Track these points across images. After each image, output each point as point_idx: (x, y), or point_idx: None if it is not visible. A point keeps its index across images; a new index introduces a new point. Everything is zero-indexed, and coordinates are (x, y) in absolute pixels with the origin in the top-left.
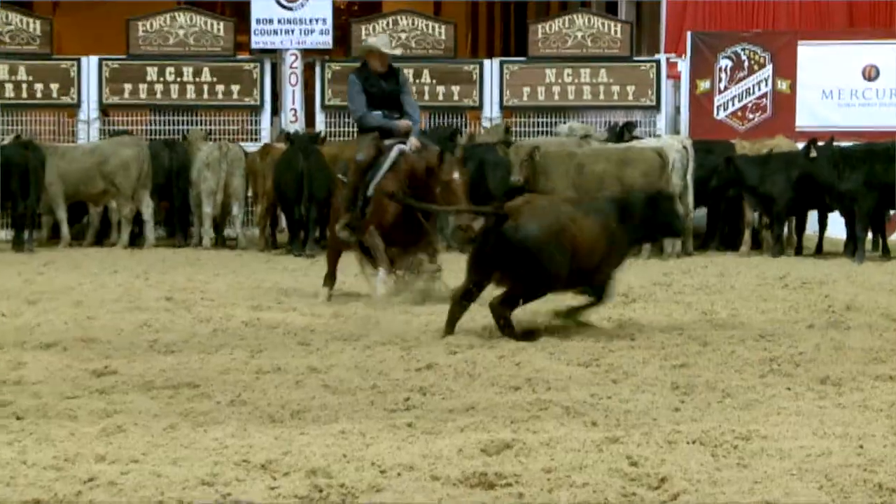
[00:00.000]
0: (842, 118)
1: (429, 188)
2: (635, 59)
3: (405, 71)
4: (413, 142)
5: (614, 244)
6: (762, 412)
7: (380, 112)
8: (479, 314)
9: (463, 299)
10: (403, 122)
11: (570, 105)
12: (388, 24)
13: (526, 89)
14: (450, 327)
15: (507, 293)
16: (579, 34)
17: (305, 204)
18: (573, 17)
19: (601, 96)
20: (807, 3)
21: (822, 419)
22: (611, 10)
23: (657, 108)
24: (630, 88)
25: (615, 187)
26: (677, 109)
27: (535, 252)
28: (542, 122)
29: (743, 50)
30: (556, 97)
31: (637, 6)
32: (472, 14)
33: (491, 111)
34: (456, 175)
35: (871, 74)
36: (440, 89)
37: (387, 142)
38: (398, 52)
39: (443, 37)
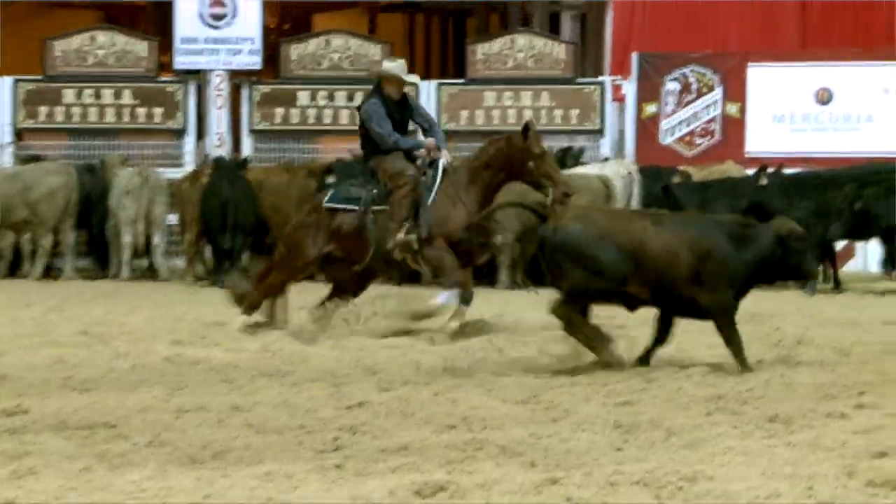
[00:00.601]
0: (794, 143)
1: (510, 176)
2: (579, 81)
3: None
4: (447, 155)
5: (714, 265)
6: (708, 452)
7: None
8: (412, 350)
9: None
10: (429, 140)
11: (511, 129)
12: (320, 45)
13: (464, 113)
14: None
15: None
16: (520, 55)
17: (230, 232)
18: (514, 38)
19: (543, 120)
20: (757, 23)
21: (770, 459)
22: (553, 30)
23: (601, 132)
24: (573, 112)
25: None
26: (622, 134)
27: (571, 252)
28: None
29: (691, 72)
30: (496, 121)
31: (581, 26)
32: (408, 33)
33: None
34: (545, 145)
35: (824, 98)
36: None
37: (417, 161)
38: (416, 79)
39: (378, 58)
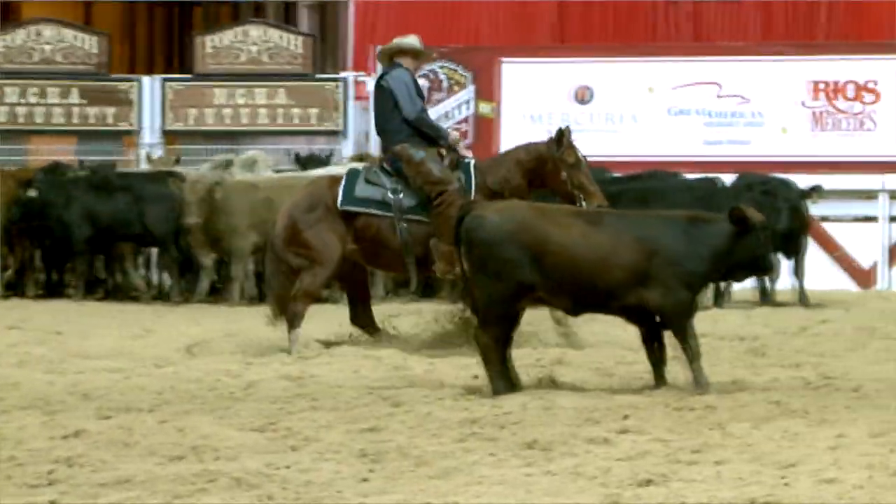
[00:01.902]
0: None
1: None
2: (318, 77)
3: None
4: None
5: (663, 264)
6: (462, 481)
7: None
8: (134, 373)
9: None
10: (454, 134)
11: (244, 130)
12: (28, 35)
13: (192, 111)
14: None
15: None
16: (254, 48)
17: None
18: (247, 29)
19: (280, 119)
20: (511, 15)
21: (529, 489)
22: (289, 21)
23: (343, 133)
24: (312, 111)
25: None
26: (367, 136)
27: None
28: (211, 150)
29: (441, 68)
30: (228, 120)
31: (320, 17)
32: (128, 23)
33: (150, 136)
34: (582, 154)
35: (584, 97)
36: (91, 111)
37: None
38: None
39: (94, 50)
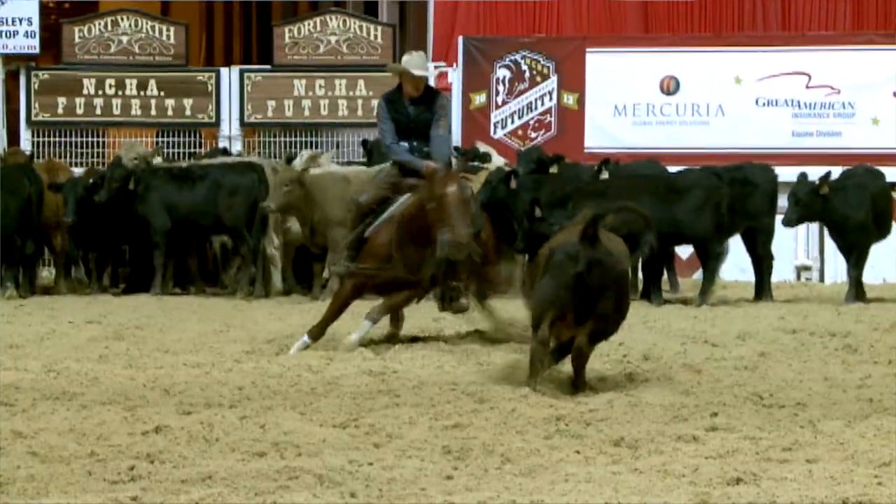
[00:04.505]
0: (637, 137)
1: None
2: None
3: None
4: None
5: None
6: (548, 479)
7: (406, 144)
8: (215, 369)
9: None
10: (429, 165)
11: (323, 122)
12: (105, 26)
13: (271, 103)
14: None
15: None
16: (333, 38)
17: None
18: (326, 19)
19: (359, 112)
20: (596, 4)
21: (616, 487)
22: (370, 11)
23: None
24: None
25: None
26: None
27: None
28: (290, 143)
29: (523, 58)
30: (307, 112)
31: (400, 6)
32: (206, 15)
33: (230, 129)
34: (452, 188)
35: (669, 87)
36: (169, 102)
37: (408, 181)
38: (430, 74)
39: (172, 41)
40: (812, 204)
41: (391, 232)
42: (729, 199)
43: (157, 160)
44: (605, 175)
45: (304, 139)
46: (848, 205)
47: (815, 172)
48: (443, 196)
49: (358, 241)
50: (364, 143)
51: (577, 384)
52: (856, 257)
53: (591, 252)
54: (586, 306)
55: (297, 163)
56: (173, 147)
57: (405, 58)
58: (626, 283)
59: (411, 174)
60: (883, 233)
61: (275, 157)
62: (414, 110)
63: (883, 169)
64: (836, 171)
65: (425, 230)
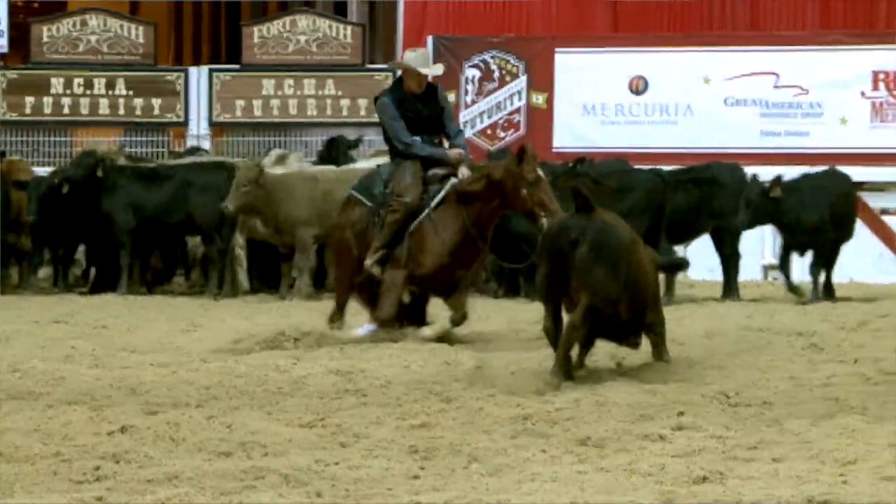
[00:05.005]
0: (605, 137)
1: (504, 203)
2: (368, 67)
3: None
4: (465, 172)
5: None
6: (514, 479)
7: (419, 138)
8: (182, 368)
9: None
10: (454, 151)
11: (292, 121)
12: (74, 25)
13: (240, 103)
14: None
15: None
16: (303, 38)
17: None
18: (295, 19)
19: (328, 111)
20: (565, 4)
21: (582, 486)
22: (339, 11)
23: None
24: (362, 102)
25: None
26: None
27: None
28: (259, 142)
29: (492, 58)
30: (276, 112)
31: (370, 6)
32: (175, 14)
33: (198, 128)
34: (542, 173)
35: (638, 87)
36: (138, 102)
37: (430, 172)
38: (439, 70)
39: (141, 40)
40: (763, 206)
41: (448, 224)
42: (697, 199)
43: (121, 160)
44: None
45: (272, 139)
46: (801, 207)
47: (786, 172)
48: (538, 181)
49: (396, 238)
50: (331, 141)
51: (553, 367)
52: (816, 259)
53: (582, 223)
54: (579, 279)
55: (267, 161)
56: (142, 147)
57: (408, 54)
58: (627, 253)
59: (433, 165)
60: (843, 235)
61: (244, 157)
62: (422, 106)
63: (850, 168)
64: (799, 172)
65: (492, 216)
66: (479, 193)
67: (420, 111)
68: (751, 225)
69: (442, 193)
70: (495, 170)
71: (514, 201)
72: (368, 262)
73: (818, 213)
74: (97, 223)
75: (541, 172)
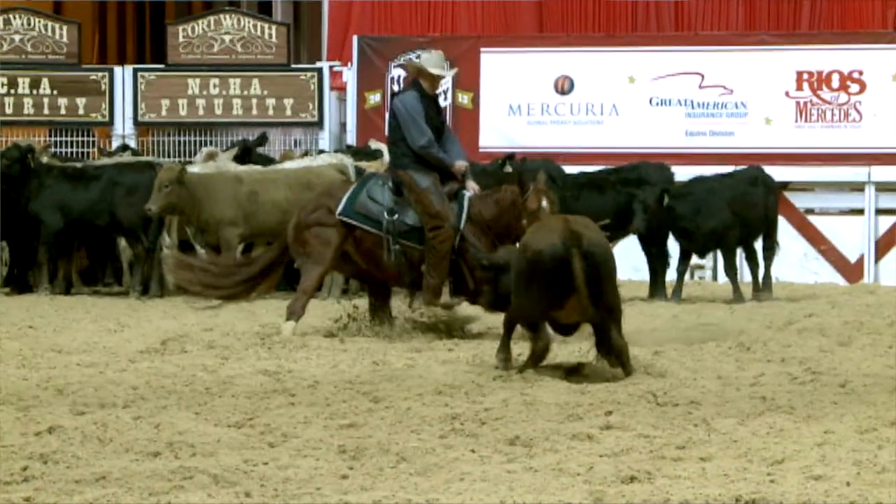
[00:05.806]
0: (532, 137)
1: (508, 230)
2: (294, 67)
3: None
4: (473, 186)
5: None
6: (443, 478)
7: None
8: (109, 368)
9: None
10: (460, 163)
11: (217, 121)
12: None
13: (165, 102)
14: None
15: None
16: (227, 38)
17: None
18: (220, 18)
19: (254, 111)
20: (490, 3)
21: (511, 485)
22: (264, 11)
23: (320, 124)
24: (288, 101)
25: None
26: (343, 126)
27: None
28: (184, 142)
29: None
30: (202, 111)
31: (294, 6)
32: (99, 13)
33: (123, 128)
34: (545, 203)
35: (563, 87)
36: (62, 101)
37: (447, 187)
38: (453, 72)
39: (65, 40)
40: (657, 212)
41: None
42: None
43: (44, 159)
44: (508, 169)
45: (198, 138)
46: (694, 212)
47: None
48: (538, 211)
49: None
50: (244, 142)
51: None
52: (727, 260)
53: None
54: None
55: (198, 159)
56: (68, 147)
57: (425, 56)
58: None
59: (441, 174)
60: (750, 235)
61: (169, 157)
62: (434, 110)
63: (775, 168)
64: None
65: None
66: (493, 218)
67: (433, 116)
68: (646, 230)
69: (465, 212)
70: (504, 197)
71: (514, 226)
72: (443, 300)
73: (713, 218)
74: (22, 222)
75: (545, 203)
